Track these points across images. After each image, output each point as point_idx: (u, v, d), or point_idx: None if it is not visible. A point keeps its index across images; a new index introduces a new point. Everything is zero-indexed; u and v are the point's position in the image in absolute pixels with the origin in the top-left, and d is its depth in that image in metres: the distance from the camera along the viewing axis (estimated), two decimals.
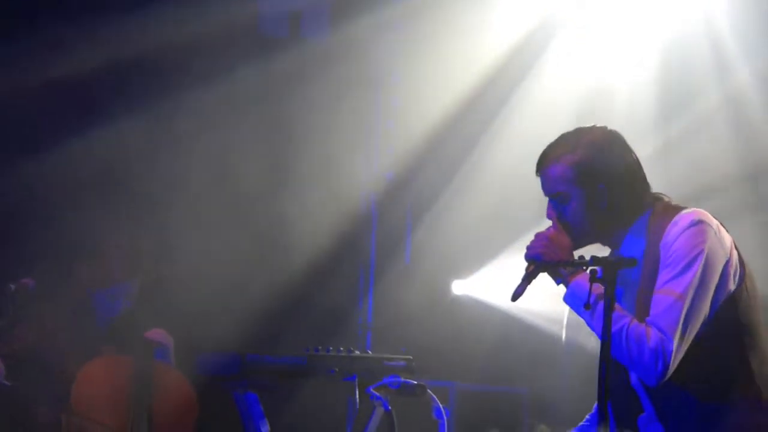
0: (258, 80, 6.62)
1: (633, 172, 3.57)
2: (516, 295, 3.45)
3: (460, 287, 7.30)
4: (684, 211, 3.48)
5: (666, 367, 3.34)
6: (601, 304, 3.34)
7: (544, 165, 3.59)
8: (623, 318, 3.35)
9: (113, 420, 5.37)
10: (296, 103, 6.80)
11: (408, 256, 7.34)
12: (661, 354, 3.33)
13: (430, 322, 7.02)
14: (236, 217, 6.72)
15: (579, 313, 3.48)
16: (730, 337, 3.46)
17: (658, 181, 3.63)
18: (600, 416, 3.25)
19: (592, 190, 3.52)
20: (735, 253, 3.49)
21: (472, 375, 7.02)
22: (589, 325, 3.48)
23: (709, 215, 3.49)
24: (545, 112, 6.89)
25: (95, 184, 6.16)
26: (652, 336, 3.34)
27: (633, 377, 3.49)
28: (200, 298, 6.13)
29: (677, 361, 3.35)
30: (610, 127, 3.64)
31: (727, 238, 3.49)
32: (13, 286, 5.28)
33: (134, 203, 6.16)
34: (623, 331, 3.36)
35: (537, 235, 3.51)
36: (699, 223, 3.42)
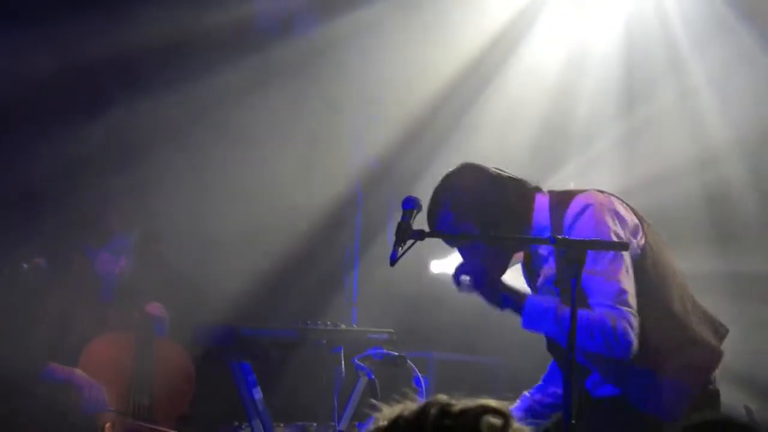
0: (249, 74, 6.67)
1: (503, 182, 3.61)
2: (393, 261, 3.45)
3: (437, 266, 7.27)
4: (577, 197, 3.52)
5: (636, 337, 3.41)
6: (564, 312, 3.33)
7: (433, 222, 3.63)
8: (578, 313, 3.21)
9: (116, 395, 5.42)
10: (286, 93, 6.86)
11: (390, 237, 7.51)
12: (630, 329, 3.38)
13: (410, 298, 7.03)
14: (228, 195, 6.77)
15: (546, 330, 3.49)
16: (649, 292, 3.50)
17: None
18: (565, 383, 3.24)
19: (480, 216, 3.57)
20: (631, 215, 3.50)
21: (449, 347, 7.05)
22: (558, 338, 3.44)
23: (598, 194, 3.47)
24: (523, 99, 6.91)
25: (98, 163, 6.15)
26: (614, 317, 3.37)
27: None
28: (191, 274, 6.12)
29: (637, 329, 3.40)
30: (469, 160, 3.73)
31: (620, 205, 3.51)
32: (25, 266, 5.23)
33: (131, 181, 6.09)
34: (593, 327, 3.34)
35: (472, 270, 3.55)
36: (587, 208, 3.46)
